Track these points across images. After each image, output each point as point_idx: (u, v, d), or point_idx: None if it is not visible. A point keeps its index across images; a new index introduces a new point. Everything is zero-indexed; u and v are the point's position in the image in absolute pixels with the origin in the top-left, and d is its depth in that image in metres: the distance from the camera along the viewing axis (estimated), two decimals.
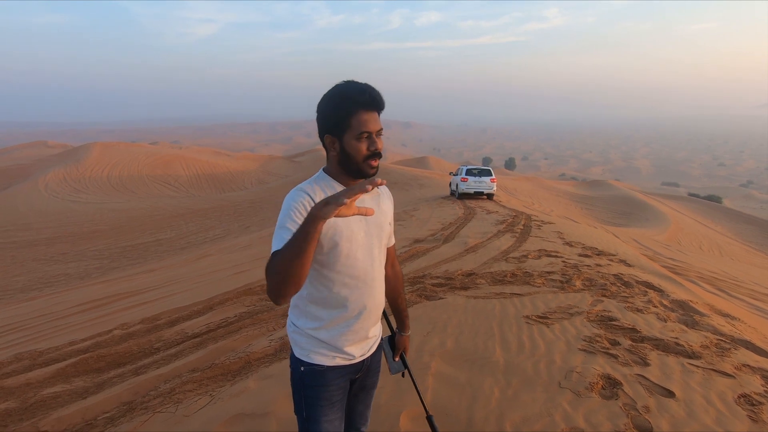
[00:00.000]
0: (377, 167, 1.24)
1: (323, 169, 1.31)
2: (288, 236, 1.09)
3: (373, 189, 0.96)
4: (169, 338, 4.10)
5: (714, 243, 21.29)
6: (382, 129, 1.24)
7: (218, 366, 3.17)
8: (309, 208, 1.17)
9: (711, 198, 42.20)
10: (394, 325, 1.62)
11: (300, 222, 1.12)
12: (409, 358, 2.64)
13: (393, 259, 1.53)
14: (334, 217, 0.98)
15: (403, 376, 1.65)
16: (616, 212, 27.53)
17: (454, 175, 17.27)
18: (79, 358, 3.83)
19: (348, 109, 1.19)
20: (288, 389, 2.59)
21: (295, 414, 1.33)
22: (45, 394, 3.15)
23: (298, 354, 1.30)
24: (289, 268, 1.00)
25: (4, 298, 10.43)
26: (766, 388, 2.45)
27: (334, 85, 1.24)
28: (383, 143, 1.28)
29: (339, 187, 1.26)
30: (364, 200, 1.28)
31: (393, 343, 1.59)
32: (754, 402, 2.30)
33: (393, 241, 1.50)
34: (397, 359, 1.58)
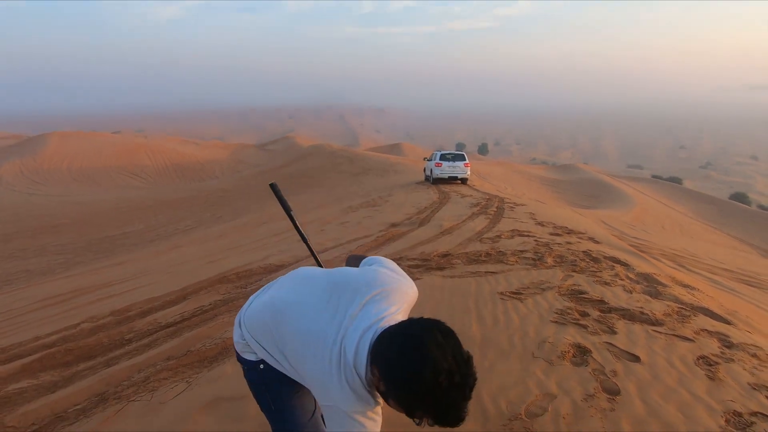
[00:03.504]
0: None
1: (357, 373, 1.02)
2: None
3: None
4: (142, 329, 3.98)
5: (675, 222, 22.35)
6: None
7: (194, 353, 3.11)
8: (376, 422, 1.04)
9: (673, 179, 44.14)
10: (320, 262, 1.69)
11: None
12: None
13: None
14: None
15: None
16: (585, 195, 28.43)
17: (428, 160, 17.35)
18: (45, 352, 3.67)
19: (416, 412, 0.93)
20: None
21: (264, 412, 1.31)
22: (10, 390, 3.01)
23: (254, 358, 1.25)
24: None
25: None
26: (722, 350, 2.62)
27: (423, 342, 0.91)
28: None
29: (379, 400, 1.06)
30: None
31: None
32: (711, 362, 2.46)
33: None
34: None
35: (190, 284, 5.42)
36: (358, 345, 1.02)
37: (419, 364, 0.88)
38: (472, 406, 2.11)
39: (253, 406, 2.27)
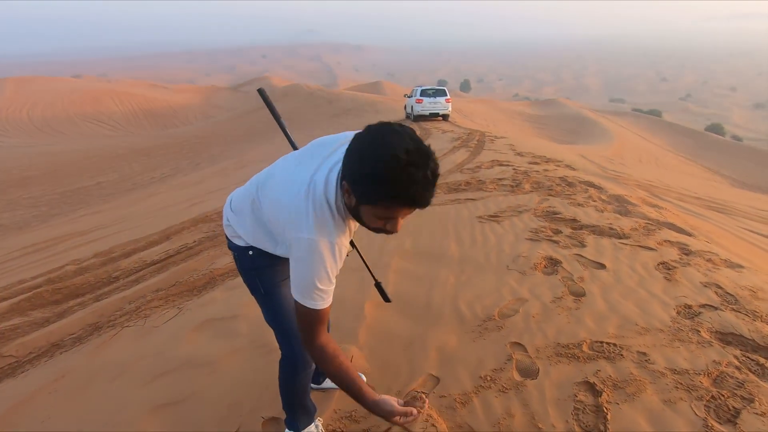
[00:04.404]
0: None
1: (327, 200, 1.08)
2: (321, 296, 1.09)
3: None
4: (128, 267, 4.03)
5: (652, 155, 22.80)
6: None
7: (183, 284, 3.20)
8: (342, 257, 1.10)
9: (652, 112, 44.32)
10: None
11: (333, 278, 1.10)
12: (371, 259, 2.77)
13: None
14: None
15: (352, 247, 1.63)
16: (566, 130, 28.47)
17: (408, 97, 16.91)
18: (33, 293, 3.71)
19: (386, 198, 0.95)
20: None
21: (254, 296, 1.38)
22: (1, 327, 3.08)
23: (243, 243, 1.32)
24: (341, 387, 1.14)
25: None
26: (680, 256, 2.82)
27: (381, 134, 0.94)
28: None
29: (351, 221, 1.13)
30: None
31: None
32: (669, 267, 2.65)
33: None
34: None
35: (172, 225, 5.41)
36: (327, 176, 1.09)
37: (380, 150, 0.92)
38: (448, 312, 2.28)
39: (243, 324, 2.39)
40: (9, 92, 31.45)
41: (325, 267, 1.08)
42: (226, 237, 1.39)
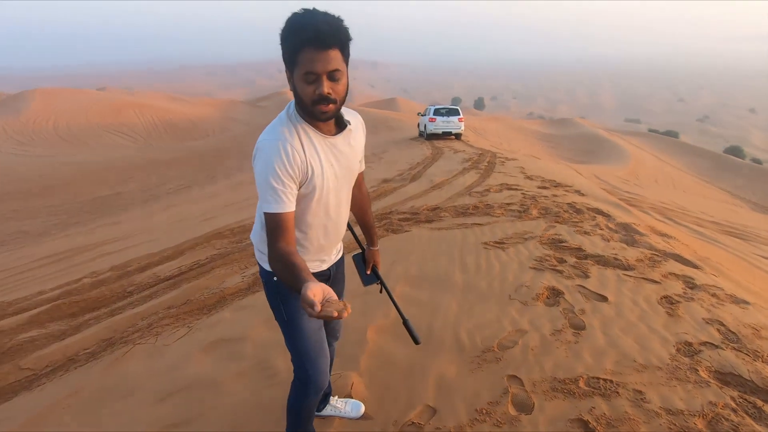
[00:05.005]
0: (330, 112, 1.17)
1: (296, 106, 1.23)
2: (276, 196, 1.16)
3: (343, 313, 0.90)
4: (142, 282, 4.16)
5: (669, 177, 22.53)
6: (337, 70, 1.12)
7: (194, 302, 3.30)
8: (295, 162, 1.18)
9: (669, 133, 43.88)
10: (364, 243, 1.71)
11: (285, 179, 1.17)
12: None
13: (360, 182, 1.59)
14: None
15: (380, 285, 1.66)
16: (580, 150, 28.36)
17: (422, 115, 17.12)
18: (51, 305, 3.85)
19: (294, 45, 1.10)
20: (263, 317, 2.77)
21: (278, 322, 1.45)
22: (21, 339, 3.21)
23: (268, 267, 1.39)
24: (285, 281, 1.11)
25: None
26: (685, 290, 2.82)
27: (293, 12, 1.14)
28: (343, 86, 1.16)
29: (313, 132, 1.23)
30: (335, 142, 1.27)
31: (363, 258, 1.69)
32: (673, 301, 2.66)
33: (363, 167, 1.52)
34: (369, 272, 1.68)
35: (186, 240, 5.56)
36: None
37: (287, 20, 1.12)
38: (449, 341, 2.32)
39: (249, 346, 2.47)
40: (36, 104, 32.70)
41: (276, 163, 1.16)
42: (258, 263, 1.46)
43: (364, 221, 1.67)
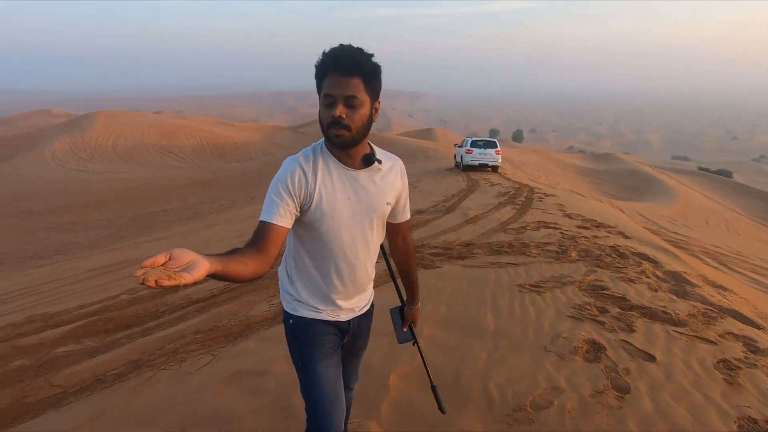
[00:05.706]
0: (344, 138, 1.18)
1: (313, 151, 1.29)
2: (270, 207, 1.18)
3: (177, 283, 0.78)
4: (174, 303, 4.25)
5: (721, 218, 21.12)
6: (355, 97, 1.16)
7: (220, 328, 3.31)
8: (299, 183, 1.20)
9: (721, 172, 41.47)
10: (405, 297, 1.64)
11: (284, 194, 1.18)
12: None
13: (405, 233, 1.53)
14: None
15: (414, 344, 1.63)
16: (624, 186, 27.25)
17: (458, 146, 17.10)
18: (89, 320, 4.00)
19: (320, 72, 1.18)
20: (286, 351, 2.71)
21: (295, 367, 1.40)
22: (57, 353, 3.32)
23: (286, 308, 1.39)
24: None
25: (16, 264, 10.72)
26: (746, 354, 2.53)
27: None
28: (361, 116, 1.18)
29: (333, 163, 1.25)
30: (357, 176, 1.26)
31: (402, 313, 1.62)
32: (732, 366, 2.39)
33: (407, 216, 1.48)
34: (405, 329, 1.61)
35: None
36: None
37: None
38: (477, 393, 2.17)
39: (271, 381, 2.42)
40: (100, 124, 35.51)
41: (280, 180, 1.21)
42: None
43: (407, 276, 1.59)
